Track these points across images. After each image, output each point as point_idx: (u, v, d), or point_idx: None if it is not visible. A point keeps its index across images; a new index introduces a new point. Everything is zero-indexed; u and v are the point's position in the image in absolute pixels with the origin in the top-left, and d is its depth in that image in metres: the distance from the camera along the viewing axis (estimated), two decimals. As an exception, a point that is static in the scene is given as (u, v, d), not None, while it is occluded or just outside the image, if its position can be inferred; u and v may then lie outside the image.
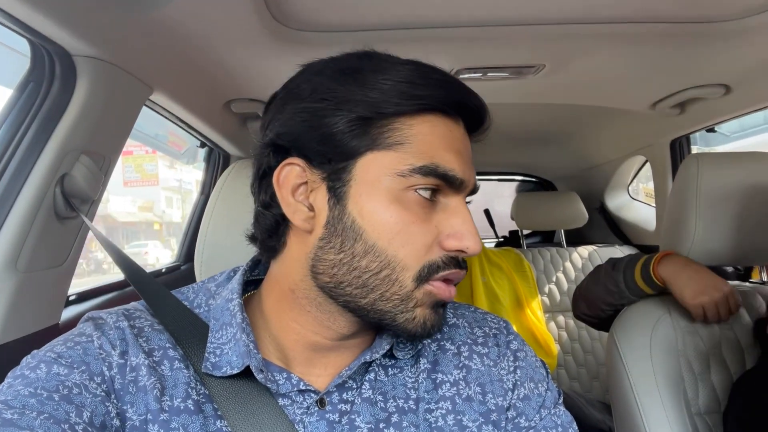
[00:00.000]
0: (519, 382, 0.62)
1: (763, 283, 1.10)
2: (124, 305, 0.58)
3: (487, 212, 2.53)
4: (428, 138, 0.51)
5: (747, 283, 1.09)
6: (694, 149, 1.84)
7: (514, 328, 1.92)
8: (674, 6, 0.94)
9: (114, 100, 0.93)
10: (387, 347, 0.57)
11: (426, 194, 0.50)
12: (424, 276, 0.51)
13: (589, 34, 1.04)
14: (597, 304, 1.12)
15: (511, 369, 0.62)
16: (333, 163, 0.51)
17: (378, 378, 0.57)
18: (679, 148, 1.77)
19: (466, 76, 1.21)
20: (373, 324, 0.54)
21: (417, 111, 0.51)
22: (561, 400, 0.64)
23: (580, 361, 2.02)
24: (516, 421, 0.59)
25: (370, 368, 0.57)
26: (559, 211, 2.18)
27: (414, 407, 0.57)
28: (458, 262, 0.53)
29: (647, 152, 1.88)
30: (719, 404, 0.96)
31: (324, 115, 0.50)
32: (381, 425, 0.55)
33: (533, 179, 2.79)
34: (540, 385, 0.63)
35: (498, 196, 3.04)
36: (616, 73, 1.26)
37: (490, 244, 2.53)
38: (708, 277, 0.97)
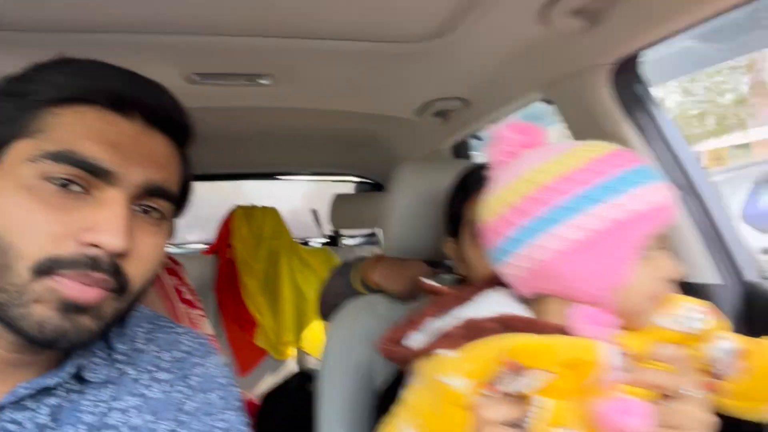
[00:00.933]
0: (191, 397, 0.63)
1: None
2: None
3: (314, 212, 2.61)
4: (71, 127, 0.50)
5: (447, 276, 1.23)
6: (477, 155, 2.02)
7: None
8: (382, 27, 1.02)
9: None
10: (71, 371, 0.54)
11: (58, 182, 0.48)
12: (45, 269, 0.48)
13: (310, 49, 1.11)
14: (330, 305, 1.22)
15: (187, 387, 0.63)
16: None
17: (60, 404, 0.55)
18: (459, 153, 1.94)
19: (209, 82, 1.25)
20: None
21: (64, 101, 0.50)
22: (239, 405, 0.67)
23: (383, 353, 2.14)
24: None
25: (54, 391, 0.55)
26: (369, 212, 2.29)
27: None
28: (93, 262, 0.49)
29: (436, 156, 2.03)
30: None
31: None
32: None
33: (368, 180, 2.90)
34: (213, 393, 0.65)
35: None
36: (363, 83, 1.36)
37: (316, 243, 2.61)
38: (405, 266, 1.11)
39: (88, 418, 0.55)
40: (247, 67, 1.19)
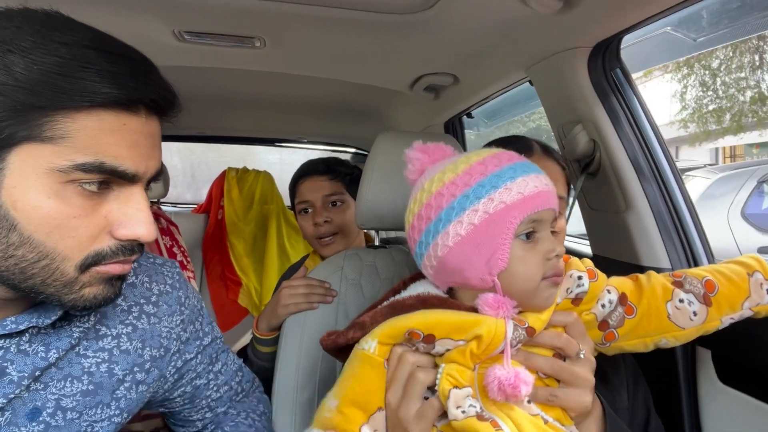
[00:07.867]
0: (183, 328, 0.73)
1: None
2: None
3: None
4: (94, 133, 0.49)
5: None
6: (470, 133, 2.03)
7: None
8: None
9: None
10: (60, 312, 0.59)
11: (91, 188, 0.51)
12: (89, 264, 0.52)
13: (301, 14, 1.12)
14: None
15: (177, 323, 0.73)
16: None
17: (43, 331, 0.60)
18: (452, 129, 1.95)
19: (199, 41, 1.26)
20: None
21: (80, 107, 0.49)
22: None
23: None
24: (181, 356, 0.73)
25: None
26: (361, 182, 2.31)
27: (72, 355, 0.62)
28: (132, 249, 0.55)
29: (430, 131, 2.04)
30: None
31: None
32: (37, 373, 0.58)
33: (364, 152, 2.91)
34: (196, 323, 0.77)
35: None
36: (355, 53, 1.36)
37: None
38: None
39: (74, 342, 0.62)
40: (238, 29, 1.21)
